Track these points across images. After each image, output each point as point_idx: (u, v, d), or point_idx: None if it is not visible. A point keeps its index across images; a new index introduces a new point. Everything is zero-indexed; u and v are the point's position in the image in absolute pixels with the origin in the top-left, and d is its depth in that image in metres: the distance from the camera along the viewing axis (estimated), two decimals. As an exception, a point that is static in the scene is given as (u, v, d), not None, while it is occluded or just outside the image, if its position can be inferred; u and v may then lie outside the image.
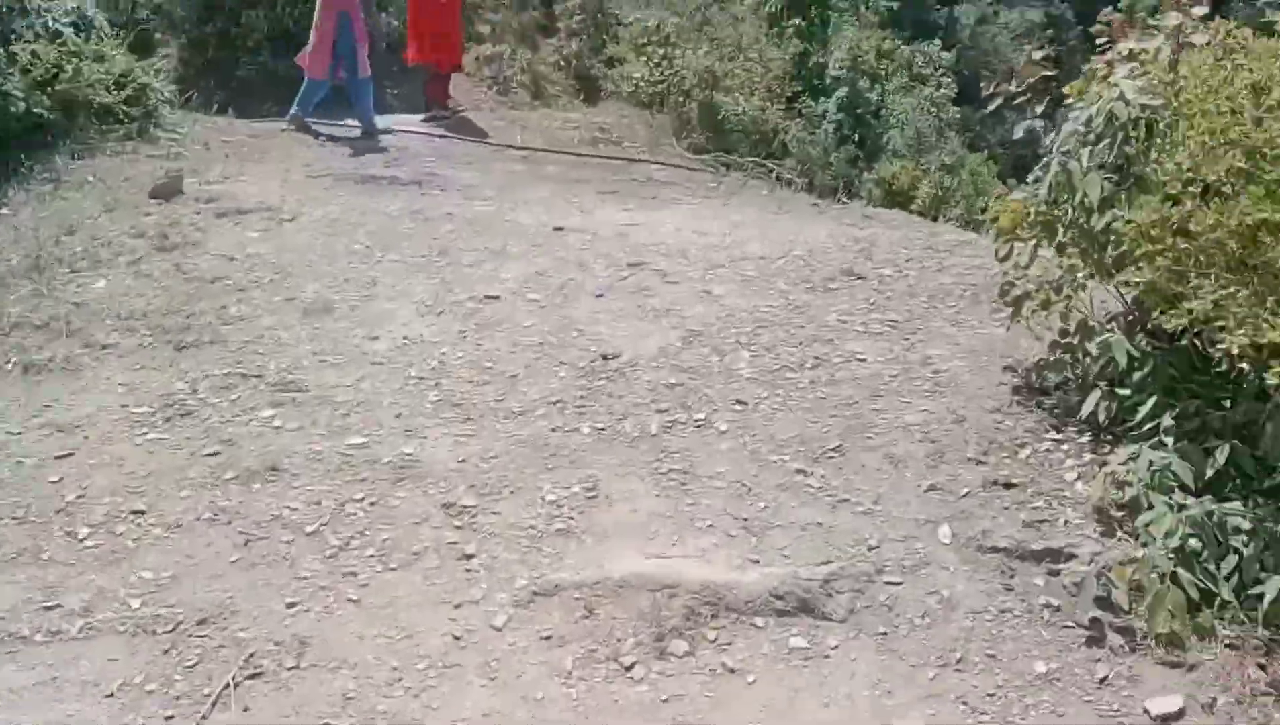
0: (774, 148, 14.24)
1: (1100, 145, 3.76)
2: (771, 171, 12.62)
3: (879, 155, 14.62)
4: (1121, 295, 3.93)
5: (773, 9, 16.28)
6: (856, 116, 14.63)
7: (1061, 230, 3.99)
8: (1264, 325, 2.93)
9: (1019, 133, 4.50)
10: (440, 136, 10.80)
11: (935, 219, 13.33)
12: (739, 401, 4.24)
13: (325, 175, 8.62)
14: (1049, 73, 4.40)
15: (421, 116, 11.45)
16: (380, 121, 10.71)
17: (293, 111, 10.25)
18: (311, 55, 10.12)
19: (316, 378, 4.45)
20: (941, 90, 16.83)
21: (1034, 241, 4.07)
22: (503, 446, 3.88)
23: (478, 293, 5.48)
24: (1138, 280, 3.26)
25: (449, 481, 3.64)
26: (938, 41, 19.85)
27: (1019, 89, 4.37)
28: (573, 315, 5.23)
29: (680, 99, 14.10)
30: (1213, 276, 3.11)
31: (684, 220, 7.53)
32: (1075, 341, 4.08)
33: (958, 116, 17.21)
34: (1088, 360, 3.94)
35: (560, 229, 6.96)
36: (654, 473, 3.67)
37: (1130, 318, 4.04)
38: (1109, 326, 3.98)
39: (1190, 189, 3.29)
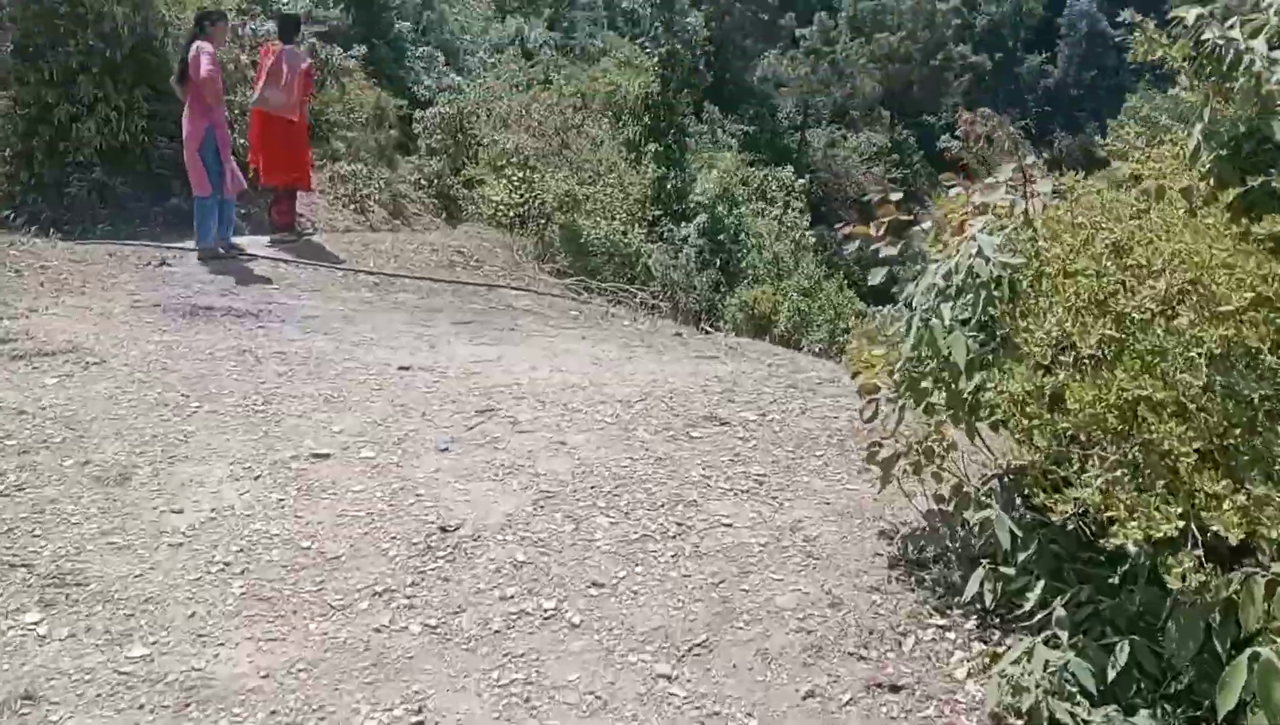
0: (637, 271, 14.17)
1: (961, 300, 3.55)
2: (635, 296, 12.47)
3: (740, 279, 14.72)
4: (1000, 464, 3.68)
5: (631, 134, 16.44)
6: (717, 241, 14.74)
7: (928, 390, 3.74)
8: (1156, 514, 2.67)
9: (875, 278, 4.29)
10: (287, 262, 10.20)
11: (798, 345, 13.43)
12: (595, 583, 3.77)
13: (151, 307, 7.92)
14: (905, 218, 4.22)
15: (268, 240, 10.85)
16: (240, 241, 10.16)
17: (198, 243, 9.71)
18: (190, 174, 9.51)
19: (100, 566, 3.76)
20: (792, 212, 17.23)
21: (900, 403, 3.80)
22: (315, 653, 3.29)
23: (304, 450, 4.89)
24: (1017, 462, 2.99)
25: (246, 706, 3.01)
26: (790, 167, 20.56)
27: (877, 233, 4.17)
28: (412, 475, 4.69)
29: (541, 222, 13.94)
30: (1095, 458, 2.85)
31: (541, 356, 7.13)
32: (951, 509, 3.80)
33: (813, 239, 17.65)
34: (966, 532, 3.65)
35: (406, 368, 6.45)
36: (493, 685, 3.13)
37: (1007, 479, 3.79)
38: (987, 493, 3.71)
39: (1062, 357, 3.06)
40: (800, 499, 4.60)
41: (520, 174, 14.01)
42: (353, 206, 14.72)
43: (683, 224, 15.27)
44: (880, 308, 19.96)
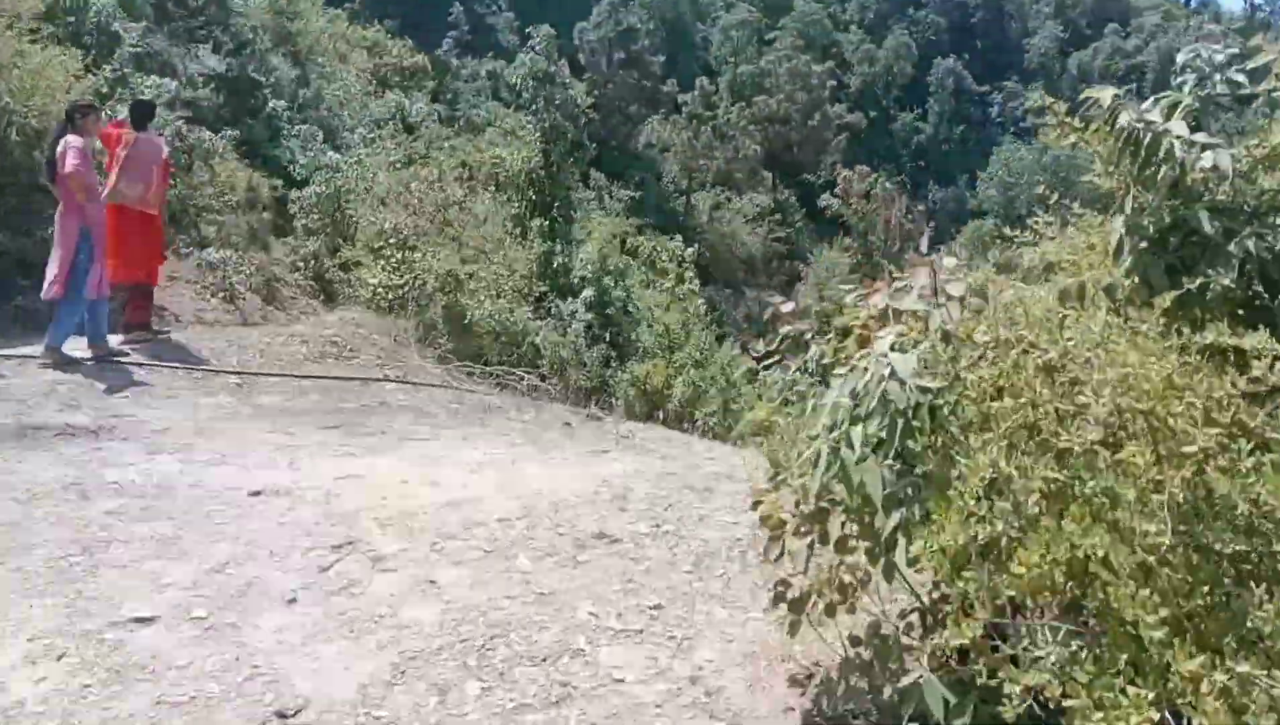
0: (524, 350, 13.57)
1: (874, 424, 3.06)
2: (522, 379, 11.85)
3: (631, 353, 14.25)
4: (924, 600, 3.17)
5: (516, 208, 15.94)
6: (606, 316, 14.28)
7: (840, 523, 3.23)
8: (1123, 701, 2.17)
9: (776, 392, 3.80)
10: (141, 365, 9.27)
11: (692, 418, 12.99)
12: (461, 778, 3.11)
13: (-28, 428, 6.95)
14: (805, 328, 3.76)
15: (120, 339, 9.88)
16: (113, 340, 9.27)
17: (47, 343, 8.75)
18: (59, 278, 8.65)
19: None
20: (685, 285, 16.93)
21: (809, 539, 3.28)
22: None
23: (124, 614, 4.11)
24: (954, 643, 2.48)
25: None
26: (679, 236, 20.39)
27: (775, 347, 3.69)
28: (250, 640, 3.96)
29: (423, 303, 13.24)
30: (1044, 629, 2.35)
31: (415, 465, 6.44)
32: (870, 656, 3.28)
33: (704, 309, 17.37)
34: (889, 691, 3.13)
35: (258, 493, 5.68)
36: None
37: (932, 618, 3.29)
38: (910, 635, 3.20)
39: (997, 501, 2.58)
40: (701, 635, 4.02)
41: (399, 254, 13.32)
42: (222, 295, 13.76)
43: (570, 299, 14.77)
44: (769, 371, 19.86)
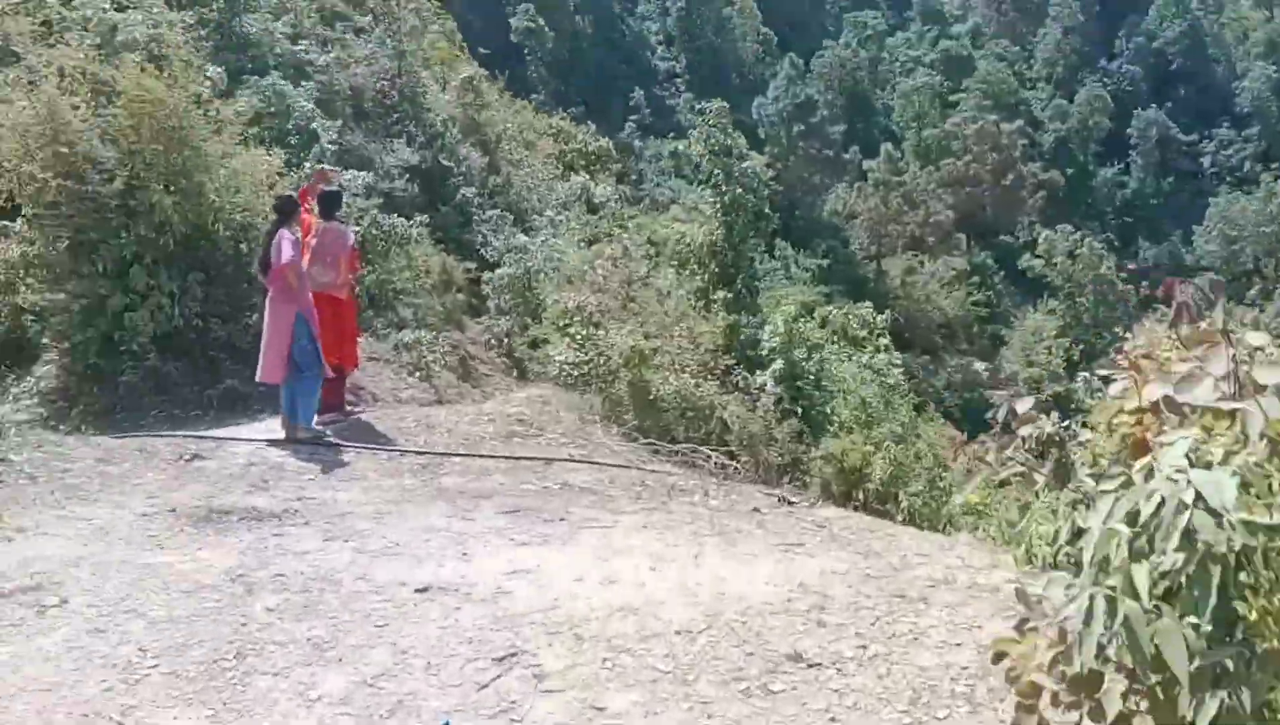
0: (712, 426, 12.93)
1: (1166, 562, 2.18)
2: (709, 458, 11.19)
3: (824, 429, 13.36)
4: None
5: (700, 282, 15.50)
6: (797, 388, 13.48)
7: (1121, 695, 2.35)
8: None
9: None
10: (332, 446, 9.25)
11: (895, 500, 11.89)
12: None
13: (165, 513, 6.95)
14: (1052, 430, 2.93)
15: (315, 421, 9.94)
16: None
17: (302, 426, 9.19)
18: (278, 362, 9.07)
19: None
20: (881, 354, 15.89)
21: (1078, 716, 2.41)
22: None
23: (264, 737, 3.67)
24: None
25: None
26: (869, 303, 19.27)
27: (1013, 457, 2.88)
28: (395, 775, 3.41)
29: (608, 379, 12.90)
30: None
31: (591, 559, 5.86)
32: None
33: (904, 378, 16.21)
34: None
35: (424, 590, 5.24)
36: None
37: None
38: None
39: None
40: (926, 800, 3.16)
41: (585, 331, 13.06)
42: (418, 374, 13.89)
43: (758, 372, 14.05)
44: (983, 438, 18.24)
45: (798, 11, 79.93)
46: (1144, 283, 57.19)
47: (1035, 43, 77.23)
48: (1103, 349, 46.91)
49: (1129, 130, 68.58)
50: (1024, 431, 2.87)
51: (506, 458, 9.19)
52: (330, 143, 16.21)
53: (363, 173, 16.63)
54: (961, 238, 60.61)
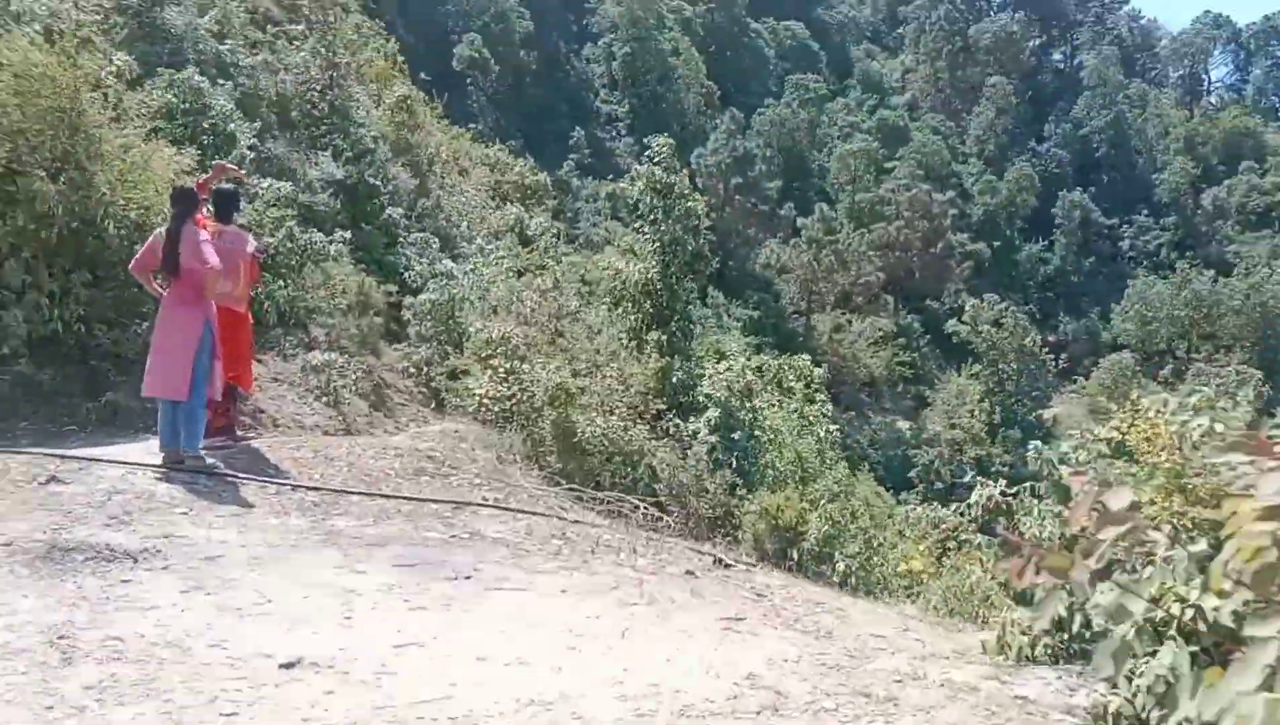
0: (640, 473, 12.08)
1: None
2: (637, 508, 10.32)
3: (758, 481, 12.62)
4: None
5: (633, 321, 14.71)
6: (731, 439, 12.72)
7: None
8: None
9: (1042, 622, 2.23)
10: (213, 475, 8.13)
11: (830, 561, 11.16)
12: None
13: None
14: (1147, 529, 2.16)
15: (200, 445, 8.80)
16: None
17: (189, 452, 8.00)
18: (176, 376, 7.92)
19: None
20: (816, 406, 15.27)
21: None
22: None
23: None
24: None
25: None
26: (807, 356, 18.73)
27: (1102, 560, 2.09)
28: None
29: (531, 417, 11.97)
30: None
31: (499, 632, 4.91)
32: None
33: (837, 435, 15.60)
34: None
35: (291, 666, 4.24)
36: None
37: None
38: None
39: None
40: None
41: (508, 364, 12.13)
42: (325, 399, 12.79)
43: (691, 419, 13.27)
44: (911, 505, 17.74)
45: (741, 69, 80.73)
46: (1063, 355, 58.81)
47: (969, 120, 79.30)
48: (1023, 416, 47.88)
49: (1054, 210, 70.54)
50: (1109, 533, 2.07)
51: (411, 499, 8.18)
52: (249, 147, 15.12)
53: (282, 182, 15.55)
54: (889, 299, 61.32)
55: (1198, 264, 65.38)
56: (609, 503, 10.17)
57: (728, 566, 7.48)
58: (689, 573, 6.90)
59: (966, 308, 51.32)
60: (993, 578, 10.12)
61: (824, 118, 76.77)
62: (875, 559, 11.51)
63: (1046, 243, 70.36)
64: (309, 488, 8.08)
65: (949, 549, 13.26)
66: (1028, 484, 10.05)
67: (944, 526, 15.54)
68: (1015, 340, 47.76)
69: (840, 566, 10.75)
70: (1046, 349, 52.59)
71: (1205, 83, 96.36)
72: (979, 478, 9.99)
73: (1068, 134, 79.03)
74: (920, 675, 4.51)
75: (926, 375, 55.75)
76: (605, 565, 6.70)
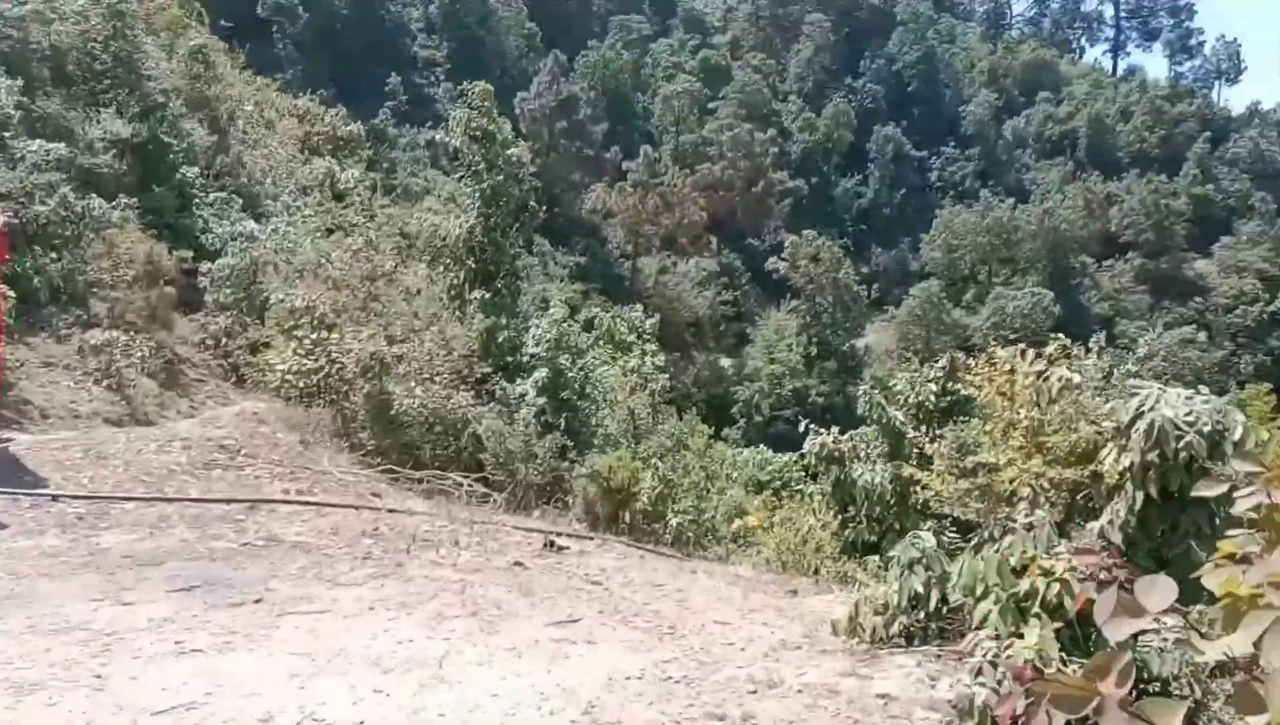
0: (464, 443, 11.30)
1: None
2: (460, 487, 9.57)
3: (590, 442, 12.05)
4: None
5: (455, 279, 13.71)
6: (560, 399, 12.06)
7: None
8: None
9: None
10: (-47, 487, 6.87)
11: (662, 520, 10.77)
12: None
13: None
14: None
15: (-63, 452, 7.47)
16: None
17: None
18: None
19: None
20: (649, 358, 14.79)
21: None
22: None
23: None
24: None
25: None
26: (629, 303, 18.29)
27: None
28: None
29: (341, 391, 10.95)
30: None
31: (288, 678, 4.12)
32: None
33: (669, 388, 15.17)
34: None
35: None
36: None
37: None
38: None
39: None
40: None
41: (314, 335, 11.02)
42: (106, 383, 11.34)
43: (518, 380, 12.55)
44: (739, 449, 17.71)
45: (564, 11, 78.73)
46: (875, 286, 61.24)
47: (789, 58, 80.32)
48: (838, 347, 49.58)
49: (869, 145, 72.70)
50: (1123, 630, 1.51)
51: (196, 501, 7.15)
52: (14, 107, 13.15)
53: (55, 144, 13.64)
54: (713, 240, 61.87)
55: (999, 192, 69.34)
56: (429, 482, 9.38)
57: (560, 549, 6.88)
58: (517, 563, 6.25)
59: (786, 244, 52.40)
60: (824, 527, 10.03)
61: (648, 59, 76.04)
62: (707, 512, 11.21)
63: (861, 177, 72.54)
64: (73, 497, 6.93)
65: (780, 497, 13.22)
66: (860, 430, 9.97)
67: (770, 468, 15.65)
68: (831, 274, 49.14)
69: (674, 521, 10.37)
70: (860, 281, 54.52)
71: (1008, 16, 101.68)
72: (812, 427, 9.76)
73: (881, 70, 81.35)
74: (776, 681, 4.05)
75: (748, 313, 56.79)
76: (422, 566, 5.95)
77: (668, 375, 15.24)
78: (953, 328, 55.37)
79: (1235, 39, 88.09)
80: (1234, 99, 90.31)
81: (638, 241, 56.92)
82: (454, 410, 11.25)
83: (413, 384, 10.95)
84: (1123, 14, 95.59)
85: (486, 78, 17.98)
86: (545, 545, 6.92)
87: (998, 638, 3.75)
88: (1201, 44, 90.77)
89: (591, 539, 8.35)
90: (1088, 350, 7.20)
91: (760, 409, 47.21)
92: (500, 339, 12.94)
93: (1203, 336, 50.05)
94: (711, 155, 62.65)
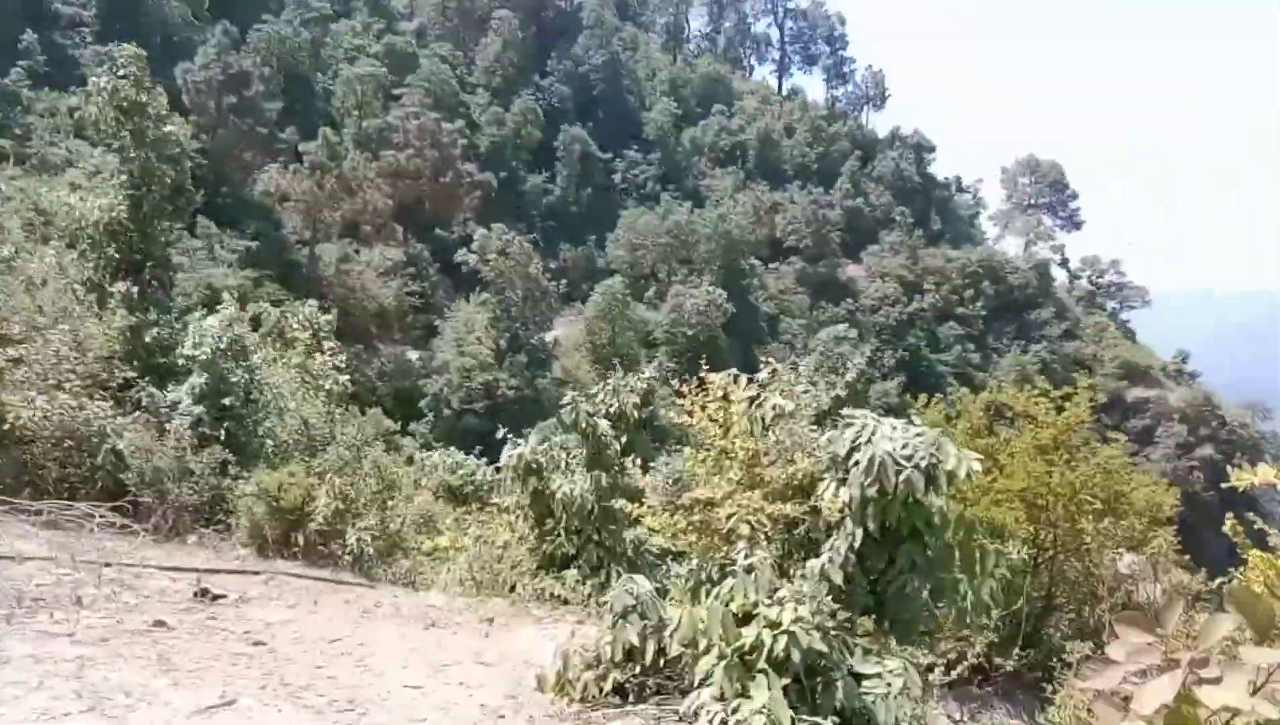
0: (101, 461, 9.59)
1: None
2: (93, 518, 8.02)
3: (257, 455, 10.68)
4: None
5: (94, 269, 11.62)
6: (222, 407, 10.55)
7: None
8: None
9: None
10: None
11: (340, 541, 9.77)
12: None
13: None
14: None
15: None
16: None
17: None
18: None
19: None
20: (325, 358, 13.47)
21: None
22: None
23: None
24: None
25: None
26: (304, 294, 16.59)
27: None
28: None
29: (-64, 404, 8.86)
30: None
31: None
32: None
33: (350, 388, 13.89)
34: None
35: None
36: None
37: None
38: None
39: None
40: None
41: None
42: None
43: (170, 386, 10.91)
44: (427, 452, 16.61)
45: (233, -21, 72.04)
46: (564, 281, 62.13)
47: (476, 51, 79.03)
48: (528, 340, 49.62)
49: (556, 143, 73.33)
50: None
51: None
52: None
53: None
54: (399, 228, 59.55)
55: (678, 196, 73.31)
56: (50, 513, 7.78)
57: (215, 599, 5.82)
58: (158, 624, 5.15)
59: (475, 237, 51.52)
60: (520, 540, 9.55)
61: (328, 39, 71.58)
62: (392, 523, 10.34)
63: (550, 174, 73.11)
64: None
65: (471, 508, 12.61)
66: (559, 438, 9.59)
67: (461, 472, 14.90)
68: (521, 268, 49.02)
69: (352, 540, 9.43)
70: (549, 275, 54.88)
71: (686, 30, 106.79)
72: (510, 436, 9.20)
73: (569, 71, 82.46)
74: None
75: (436, 304, 55.29)
76: (27, 640, 4.70)
77: (348, 376, 14.01)
78: (636, 323, 57.57)
79: (880, 69, 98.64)
80: (879, 123, 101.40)
81: (316, 227, 53.44)
82: (89, 422, 9.52)
83: (33, 393, 9.10)
84: (787, 38, 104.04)
85: (143, 44, 15.54)
86: (196, 594, 5.82)
87: (723, 697, 3.43)
88: (853, 71, 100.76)
89: (258, 574, 7.27)
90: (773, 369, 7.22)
91: (450, 403, 46.09)
92: (148, 338, 11.20)
93: (854, 333, 55.76)
94: (397, 142, 60.20)
